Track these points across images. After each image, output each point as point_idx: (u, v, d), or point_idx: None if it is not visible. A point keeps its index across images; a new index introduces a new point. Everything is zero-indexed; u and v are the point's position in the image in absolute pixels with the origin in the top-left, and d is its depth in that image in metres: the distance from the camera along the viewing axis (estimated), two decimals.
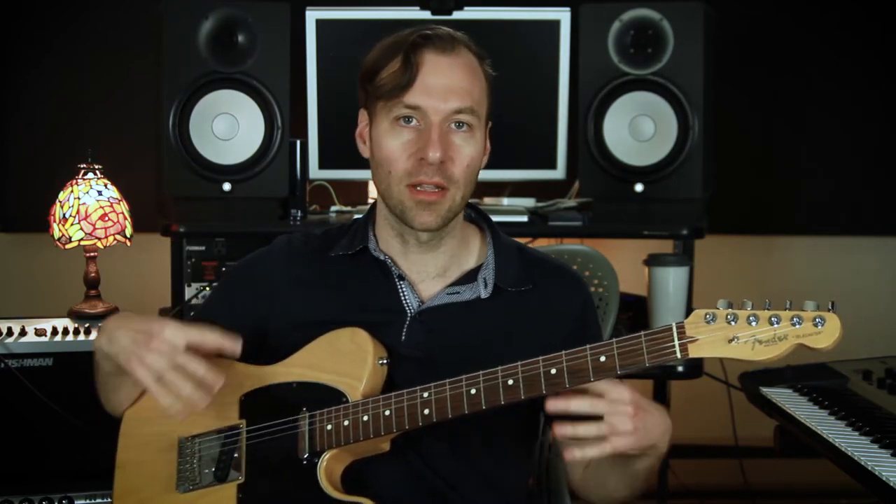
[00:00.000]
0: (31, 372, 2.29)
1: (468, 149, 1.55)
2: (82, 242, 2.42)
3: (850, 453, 1.72)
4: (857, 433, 1.80)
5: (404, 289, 1.62)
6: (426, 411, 1.48)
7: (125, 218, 2.48)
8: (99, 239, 2.43)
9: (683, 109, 2.62)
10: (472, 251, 1.67)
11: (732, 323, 1.34)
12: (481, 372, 1.45)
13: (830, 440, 1.79)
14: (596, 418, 1.41)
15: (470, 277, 1.63)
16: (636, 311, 2.75)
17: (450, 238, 1.62)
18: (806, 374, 2.10)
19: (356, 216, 2.65)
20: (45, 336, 2.33)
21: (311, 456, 1.54)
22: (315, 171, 2.77)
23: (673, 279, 2.61)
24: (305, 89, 2.74)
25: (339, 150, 2.75)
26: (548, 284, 1.66)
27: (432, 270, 1.63)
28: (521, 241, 1.75)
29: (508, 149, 2.64)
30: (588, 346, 1.41)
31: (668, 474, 3.03)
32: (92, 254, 2.48)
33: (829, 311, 1.33)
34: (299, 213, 2.71)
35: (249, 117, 2.62)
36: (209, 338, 1.49)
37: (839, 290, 3.29)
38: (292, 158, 2.69)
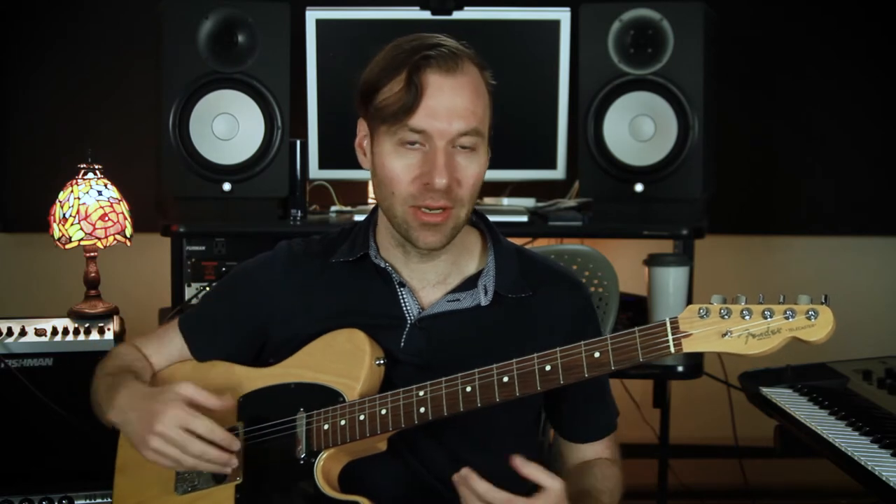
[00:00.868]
0: (31, 372, 2.29)
1: (473, 168, 1.53)
2: (82, 242, 2.42)
3: (850, 453, 1.72)
4: (857, 433, 1.80)
5: (405, 295, 1.62)
6: (422, 409, 1.48)
7: (125, 218, 2.48)
8: (99, 239, 2.43)
9: (683, 109, 2.62)
10: (472, 256, 1.66)
11: (726, 317, 1.34)
12: (476, 370, 1.46)
13: (830, 440, 1.79)
14: None
15: (470, 284, 1.63)
16: (636, 311, 2.75)
17: (450, 246, 1.60)
18: (806, 374, 2.10)
19: (356, 217, 2.68)
20: (45, 336, 2.33)
21: (309, 456, 1.54)
22: (315, 171, 2.78)
23: (673, 279, 2.61)
24: (305, 89, 2.74)
25: (339, 150, 2.74)
26: (548, 291, 1.65)
27: (433, 277, 1.63)
28: (521, 241, 1.75)
29: (508, 149, 2.64)
30: (582, 342, 1.41)
31: (668, 474, 3.03)
32: (92, 254, 2.48)
33: (822, 304, 1.33)
34: (299, 213, 2.71)
35: (249, 117, 2.62)
36: (210, 402, 1.54)
37: (839, 290, 3.26)
38: (292, 158, 2.69)
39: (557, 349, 1.42)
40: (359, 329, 1.57)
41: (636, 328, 1.38)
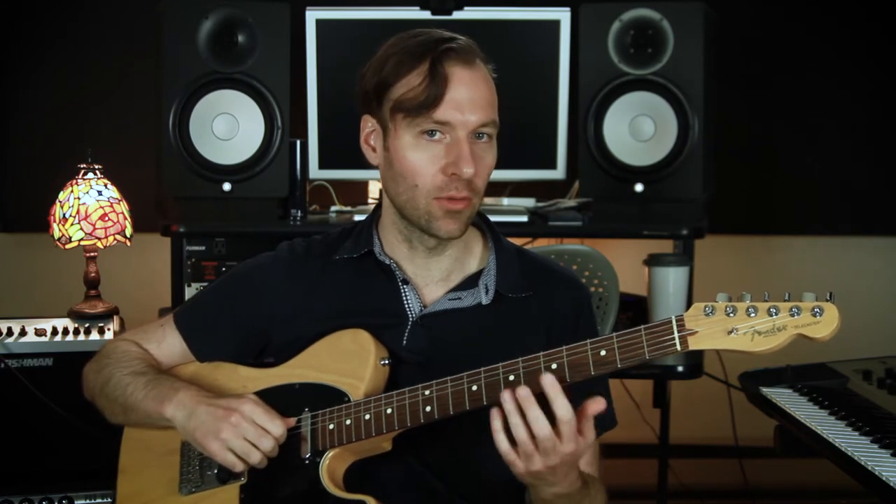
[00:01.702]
0: (31, 372, 2.29)
1: (489, 158, 1.55)
2: (82, 242, 2.42)
3: (850, 453, 1.72)
4: (857, 433, 1.80)
5: (408, 293, 1.62)
6: (428, 408, 1.48)
7: (125, 218, 2.48)
8: (99, 239, 2.43)
9: (683, 109, 2.63)
10: (474, 255, 1.66)
11: (731, 315, 1.34)
12: (482, 369, 1.45)
13: (830, 440, 1.79)
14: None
15: (471, 283, 1.63)
16: (636, 311, 2.75)
17: (455, 242, 1.61)
18: (806, 374, 2.10)
19: (356, 217, 2.68)
20: (45, 336, 2.33)
21: (314, 455, 1.54)
22: (315, 171, 2.78)
23: (673, 279, 2.61)
24: (305, 89, 2.74)
25: (339, 150, 2.75)
26: (548, 291, 1.65)
27: (436, 275, 1.63)
28: (521, 241, 1.75)
29: (508, 149, 2.60)
30: (588, 340, 1.41)
31: (668, 474, 3.03)
32: (92, 254, 2.48)
33: (827, 301, 1.33)
34: (299, 213, 2.71)
35: (249, 117, 2.62)
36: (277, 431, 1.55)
37: (839, 289, 3.23)
38: (292, 158, 2.69)
39: (563, 347, 1.42)
40: (363, 329, 1.57)
41: (642, 326, 1.38)
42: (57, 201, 2.45)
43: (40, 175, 3.04)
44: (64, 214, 2.42)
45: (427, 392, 1.48)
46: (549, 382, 1.37)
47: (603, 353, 1.40)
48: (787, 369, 2.10)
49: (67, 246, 2.43)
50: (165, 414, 1.59)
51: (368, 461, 1.56)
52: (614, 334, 1.39)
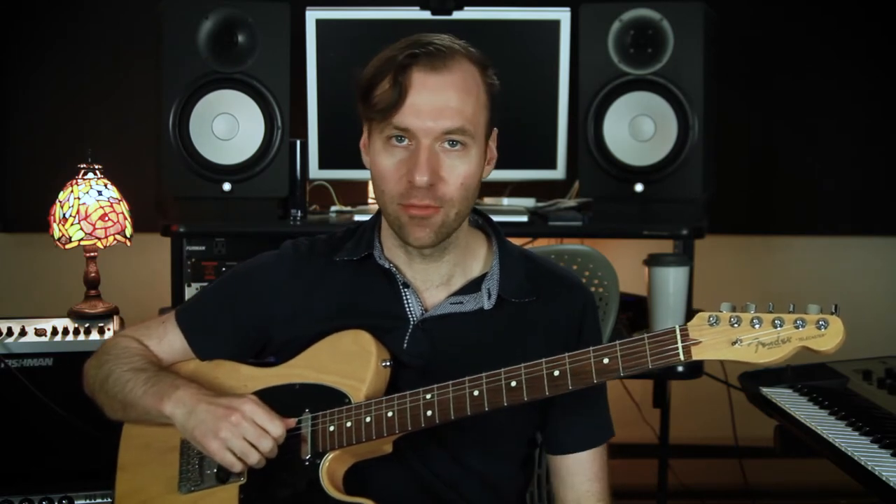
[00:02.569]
0: (31, 372, 2.29)
1: (462, 167, 1.52)
2: (82, 242, 2.42)
3: (850, 453, 1.72)
4: (857, 433, 1.80)
5: (408, 296, 1.61)
6: (429, 413, 1.48)
7: (125, 218, 2.48)
8: (99, 239, 2.43)
9: (683, 109, 2.63)
10: (477, 259, 1.65)
11: (736, 325, 1.34)
12: (484, 374, 1.45)
13: (830, 440, 1.79)
14: None
15: (474, 287, 1.62)
16: (636, 312, 2.75)
17: (453, 248, 1.60)
18: (806, 374, 2.10)
19: (357, 217, 2.68)
20: (45, 336, 2.33)
21: (314, 457, 1.54)
22: (315, 171, 2.77)
23: (673, 279, 2.61)
24: (305, 89, 2.74)
25: (339, 150, 2.75)
26: (552, 295, 1.64)
27: (436, 279, 1.62)
28: (521, 241, 1.74)
29: (508, 149, 2.61)
30: (591, 348, 1.41)
31: (668, 474, 3.03)
32: (92, 254, 2.48)
33: (832, 314, 1.33)
34: (299, 213, 2.71)
35: (249, 117, 2.62)
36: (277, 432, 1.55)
37: (839, 289, 3.30)
38: (292, 158, 2.69)
39: (566, 354, 1.42)
40: (364, 330, 1.57)
41: (645, 334, 1.38)
42: (57, 201, 2.45)
43: (40, 175, 3.04)
44: (64, 214, 2.42)
45: (428, 396, 1.48)
46: None
47: (606, 360, 1.39)
48: (787, 369, 2.10)
49: (67, 246, 2.43)
50: (165, 411, 1.59)
51: (368, 463, 1.56)
52: (618, 342, 1.39)
